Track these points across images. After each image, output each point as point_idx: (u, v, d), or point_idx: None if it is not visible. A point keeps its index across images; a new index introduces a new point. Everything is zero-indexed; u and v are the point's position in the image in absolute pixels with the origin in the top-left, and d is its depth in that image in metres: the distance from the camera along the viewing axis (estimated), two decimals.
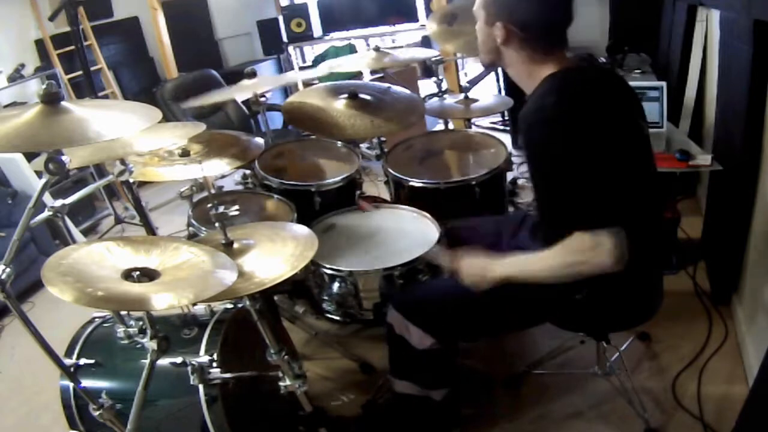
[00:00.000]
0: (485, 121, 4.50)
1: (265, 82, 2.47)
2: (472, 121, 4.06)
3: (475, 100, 2.52)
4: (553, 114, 1.19)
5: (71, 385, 1.48)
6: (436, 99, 2.66)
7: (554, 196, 1.26)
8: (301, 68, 5.17)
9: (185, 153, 1.87)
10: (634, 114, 1.32)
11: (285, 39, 4.96)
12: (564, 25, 1.28)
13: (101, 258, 1.20)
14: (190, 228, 1.89)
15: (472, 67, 5.44)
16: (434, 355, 1.47)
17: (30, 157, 2.77)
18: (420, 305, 1.50)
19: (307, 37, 4.93)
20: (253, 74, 1.92)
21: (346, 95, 2.18)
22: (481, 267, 1.38)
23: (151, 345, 1.31)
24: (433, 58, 2.68)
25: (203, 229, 1.81)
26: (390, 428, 1.75)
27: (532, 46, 1.26)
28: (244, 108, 3.89)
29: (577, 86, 1.23)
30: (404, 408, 1.59)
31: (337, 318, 1.82)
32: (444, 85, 2.77)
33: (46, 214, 1.38)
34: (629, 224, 1.21)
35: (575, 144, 1.17)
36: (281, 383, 1.49)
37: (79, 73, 3.90)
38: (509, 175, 2.53)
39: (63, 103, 1.18)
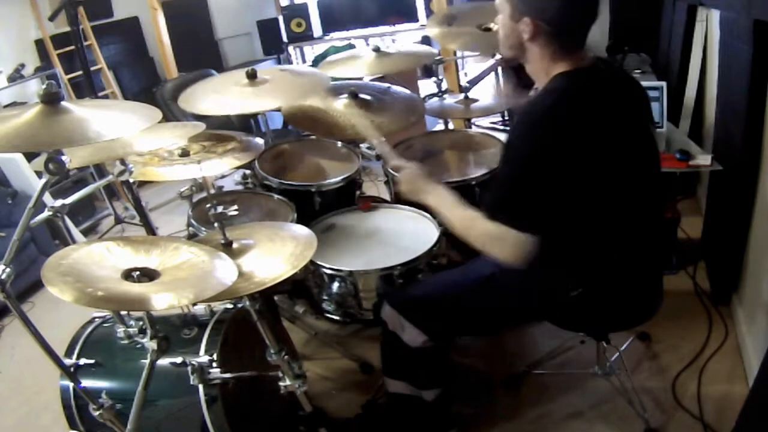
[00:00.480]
0: (485, 121, 4.50)
1: None
2: (472, 121, 4.05)
3: (475, 100, 2.52)
4: (544, 117, 1.19)
5: (71, 385, 1.48)
6: (436, 99, 2.65)
7: (503, 185, 1.27)
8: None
9: (185, 153, 1.87)
10: (641, 117, 1.32)
11: (285, 39, 4.96)
12: (590, 23, 1.26)
13: (101, 258, 1.20)
14: (190, 228, 1.89)
15: (472, 67, 5.43)
16: (426, 353, 1.48)
17: (30, 157, 2.77)
18: (415, 302, 1.50)
19: (307, 37, 4.93)
20: (253, 74, 1.92)
21: (346, 95, 2.18)
22: (418, 184, 1.46)
23: (151, 345, 1.31)
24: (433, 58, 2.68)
25: (203, 229, 1.81)
26: (385, 429, 1.75)
27: (559, 43, 1.24)
28: None
29: (577, 91, 1.22)
30: (398, 408, 1.60)
31: (337, 318, 1.82)
32: (444, 85, 2.76)
33: (46, 214, 1.37)
34: (619, 226, 1.22)
35: (551, 150, 1.17)
36: (281, 383, 1.49)
37: (79, 73, 3.90)
38: None
39: (63, 103, 1.18)
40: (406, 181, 1.49)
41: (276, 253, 1.42)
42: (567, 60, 1.25)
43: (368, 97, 2.23)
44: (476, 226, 1.28)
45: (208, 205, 1.44)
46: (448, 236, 1.75)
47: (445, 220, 1.40)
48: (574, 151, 1.17)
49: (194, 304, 1.53)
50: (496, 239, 1.24)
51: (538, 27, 1.22)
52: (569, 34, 1.24)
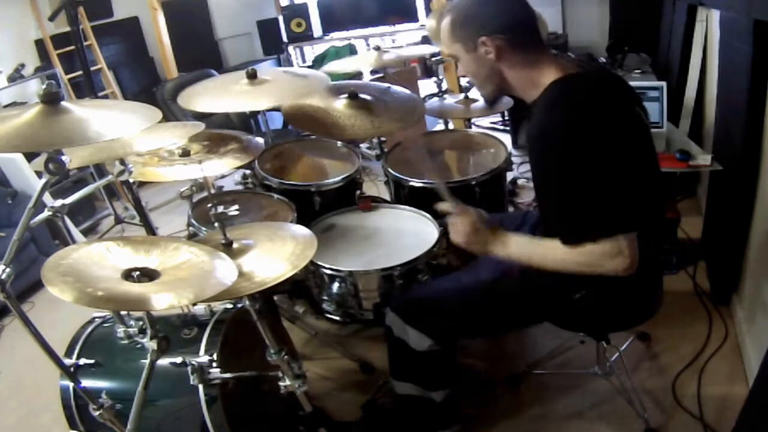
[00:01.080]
0: (485, 121, 4.50)
1: None
2: (472, 121, 4.06)
3: (475, 100, 2.52)
4: (561, 126, 1.17)
5: (71, 385, 1.48)
6: (436, 99, 2.66)
7: (567, 206, 1.22)
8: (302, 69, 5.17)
9: (185, 153, 1.87)
10: (640, 115, 1.32)
11: (285, 39, 4.97)
12: (534, 20, 1.27)
13: (101, 258, 1.20)
14: (190, 228, 1.89)
15: None
16: (434, 356, 1.47)
17: (30, 157, 2.77)
18: (417, 307, 1.50)
19: (307, 37, 4.94)
20: (253, 74, 1.92)
21: (346, 95, 2.18)
22: (483, 238, 1.35)
23: (151, 345, 1.31)
24: (434, 58, 2.68)
25: (203, 229, 1.81)
26: (392, 429, 1.75)
27: (523, 48, 1.24)
28: None
29: (583, 95, 1.22)
30: (406, 409, 1.60)
31: (337, 318, 1.82)
32: (444, 85, 2.77)
33: (46, 214, 1.37)
34: (641, 222, 1.21)
35: (585, 155, 1.15)
36: (281, 383, 1.49)
37: (79, 73, 3.90)
38: (509, 175, 2.53)
39: (63, 103, 1.18)
40: (466, 239, 1.37)
41: (276, 253, 1.42)
42: (547, 66, 1.24)
43: (368, 97, 2.23)
44: (578, 253, 1.20)
45: (208, 205, 1.43)
46: (448, 237, 1.75)
47: (534, 263, 1.29)
48: (592, 156, 1.16)
49: (194, 304, 1.53)
50: (609, 256, 1.17)
51: (496, 41, 1.22)
52: (524, 35, 1.25)
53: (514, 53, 1.25)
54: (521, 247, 1.32)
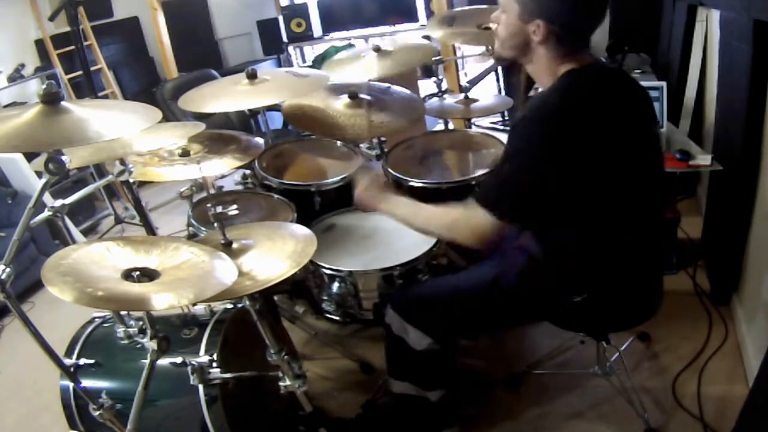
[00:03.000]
0: (485, 121, 4.50)
1: None
2: (472, 121, 4.05)
3: (475, 100, 2.52)
4: (550, 114, 1.18)
5: (71, 385, 1.48)
6: (436, 99, 2.66)
7: (507, 183, 1.25)
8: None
9: (185, 153, 1.87)
10: (645, 117, 1.32)
11: (285, 39, 4.96)
12: (598, 25, 1.25)
13: (101, 258, 1.20)
14: (190, 228, 1.89)
15: (472, 67, 5.43)
16: (432, 355, 1.47)
17: (30, 157, 2.77)
18: (417, 305, 1.50)
19: (307, 37, 4.93)
20: (253, 74, 1.92)
21: (346, 95, 2.18)
22: (375, 196, 1.52)
23: (151, 345, 1.31)
24: (433, 58, 2.68)
25: (203, 229, 1.81)
26: (389, 429, 1.75)
27: (568, 46, 1.23)
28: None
29: (584, 89, 1.21)
30: (402, 408, 1.59)
31: (337, 318, 1.82)
32: (444, 85, 2.76)
33: (46, 214, 1.37)
34: (622, 226, 1.22)
35: (557, 150, 1.16)
36: (281, 383, 1.49)
37: (79, 73, 3.90)
38: None
39: (63, 103, 1.18)
40: (362, 197, 1.56)
41: (276, 253, 1.42)
42: (572, 60, 1.23)
43: (368, 97, 2.23)
44: (438, 212, 1.35)
45: (208, 205, 1.43)
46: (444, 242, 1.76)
47: (408, 223, 1.44)
48: (580, 149, 1.16)
49: (194, 304, 1.53)
50: (462, 219, 1.29)
51: (550, 30, 1.20)
52: (578, 37, 1.24)
53: (556, 48, 1.23)
54: (407, 206, 1.46)
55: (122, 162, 1.57)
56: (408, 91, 2.37)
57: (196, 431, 1.46)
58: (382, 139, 2.32)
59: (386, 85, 2.33)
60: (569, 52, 1.23)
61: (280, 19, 4.95)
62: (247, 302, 1.38)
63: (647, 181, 1.30)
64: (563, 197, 1.20)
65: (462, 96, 2.54)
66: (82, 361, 1.55)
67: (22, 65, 3.96)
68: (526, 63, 1.31)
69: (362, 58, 2.28)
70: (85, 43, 3.83)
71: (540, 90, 1.31)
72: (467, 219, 1.28)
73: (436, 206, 1.39)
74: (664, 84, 2.48)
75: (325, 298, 1.78)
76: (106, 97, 4.21)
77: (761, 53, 1.68)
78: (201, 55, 4.99)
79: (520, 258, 1.40)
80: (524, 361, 1.99)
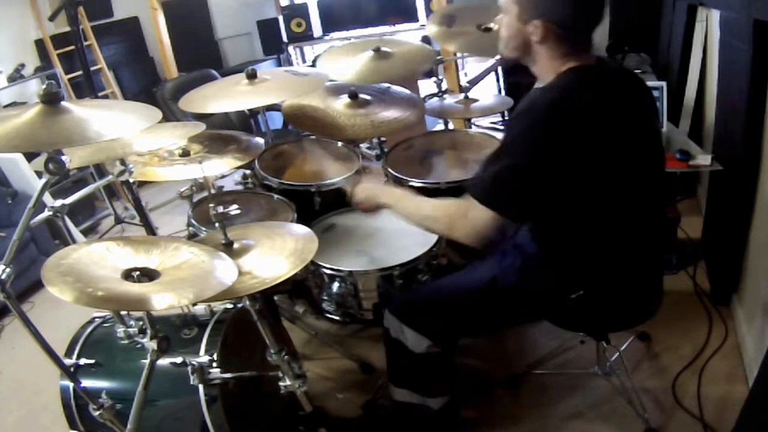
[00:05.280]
0: (485, 121, 4.50)
1: None
2: (472, 121, 4.05)
3: (475, 100, 2.52)
4: (547, 111, 1.17)
5: (71, 385, 1.48)
6: (436, 99, 2.66)
7: (500, 178, 1.23)
8: None
9: (185, 153, 1.87)
10: (647, 115, 1.32)
11: (285, 39, 4.96)
12: (598, 24, 1.25)
13: (101, 258, 1.20)
14: (190, 228, 1.89)
15: (472, 67, 5.44)
16: (431, 359, 1.47)
17: (30, 157, 2.77)
18: (415, 308, 1.50)
19: (307, 37, 4.93)
20: (253, 75, 1.93)
21: (346, 95, 2.18)
22: (372, 190, 1.53)
23: (151, 345, 1.30)
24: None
25: (203, 229, 1.81)
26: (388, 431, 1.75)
27: (568, 45, 1.23)
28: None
29: (582, 86, 1.21)
30: (403, 416, 1.59)
31: (337, 318, 1.82)
32: (444, 85, 2.76)
33: (46, 214, 1.37)
34: (621, 225, 1.21)
35: (553, 147, 1.15)
36: (281, 383, 1.49)
37: (79, 73, 3.90)
38: None
39: (63, 103, 1.18)
40: (360, 193, 1.57)
41: (276, 253, 1.42)
42: (575, 59, 1.23)
43: (368, 97, 2.23)
44: (436, 203, 1.35)
45: (210, 205, 1.43)
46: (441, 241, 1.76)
47: (403, 214, 1.43)
48: (577, 146, 1.16)
49: (194, 304, 1.53)
50: (454, 213, 1.29)
51: (548, 29, 1.20)
52: (579, 36, 1.24)
53: (556, 47, 1.23)
54: (408, 199, 1.45)
55: (122, 162, 1.57)
56: (408, 91, 2.36)
57: (196, 431, 1.46)
58: (382, 139, 2.32)
59: (386, 85, 2.33)
60: (570, 51, 1.23)
61: (280, 19, 4.94)
62: (247, 302, 1.38)
63: (647, 178, 1.30)
64: (560, 193, 1.20)
65: (462, 96, 2.54)
66: (82, 361, 1.55)
67: (22, 65, 3.96)
68: (529, 63, 1.31)
69: (360, 56, 2.27)
70: (85, 43, 3.83)
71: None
72: (465, 213, 1.26)
73: (436, 200, 1.37)
74: (664, 84, 2.48)
75: (325, 298, 1.78)
76: (106, 97, 4.21)
77: (761, 53, 1.68)
78: (201, 55, 4.99)
79: (517, 256, 1.40)
80: (524, 361, 1.99)
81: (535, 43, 1.24)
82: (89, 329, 1.64)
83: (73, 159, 1.23)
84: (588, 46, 1.26)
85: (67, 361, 1.54)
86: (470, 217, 1.25)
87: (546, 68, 1.27)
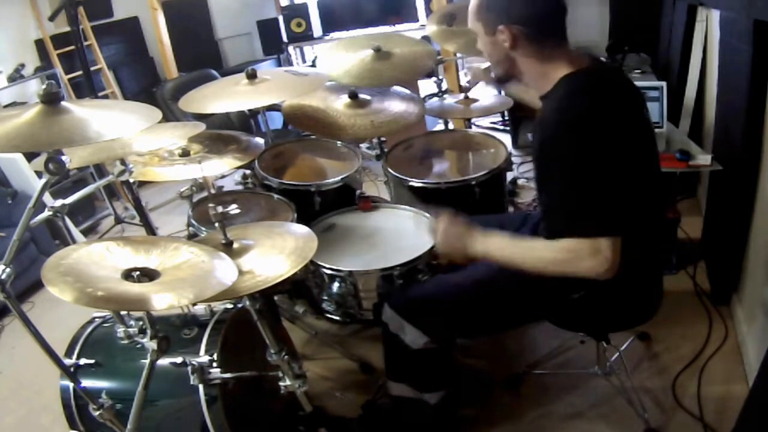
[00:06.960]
0: (485, 121, 4.50)
1: None
2: (472, 121, 4.06)
3: (475, 100, 2.52)
4: (582, 113, 1.17)
5: (71, 385, 1.48)
6: (436, 99, 2.66)
7: (563, 196, 1.22)
8: None
9: (185, 153, 1.87)
10: (645, 115, 1.33)
11: (285, 39, 4.96)
12: (562, 14, 1.26)
13: (101, 258, 1.20)
14: (190, 228, 1.89)
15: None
16: (429, 355, 1.47)
17: (30, 157, 2.77)
18: (415, 303, 1.50)
19: (307, 37, 4.93)
20: (253, 75, 1.93)
21: (346, 95, 2.19)
22: (460, 239, 1.36)
23: (151, 345, 1.31)
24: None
25: (203, 229, 1.81)
26: (389, 431, 1.75)
27: (540, 41, 1.24)
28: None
29: (604, 89, 1.22)
30: (400, 411, 1.59)
31: (337, 318, 1.82)
32: (444, 85, 2.77)
33: (46, 214, 1.38)
34: (632, 226, 1.21)
35: (598, 146, 1.16)
36: (281, 383, 1.49)
37: (79, 73, 3.90)
38: (509, 175, 2.53)
39: (63, 103, 1.18)
40: (445, 245, 1.41)
41: (276, 253, 1.42)
42: (561, 61, 1.24)
43: (368, 97, 2.23)
44: (555, 251, 1.21)
45: (210, 205, 1.43)
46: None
47: (512, 263, 1.29)
48: (605, 152, 1.16)
49: (194, 304, 1.53)
50: (587, 256, 1.17)
51: (513, 31, 1.22)
52: (545, 29, 1.24)
53: (529, 45, 1.24)
54: (502, 246, 1.33)
55: (122, 162, 1.58)
56: (408, 91, 2.37)
57: (196, 431, 1.46)
58: (382, 139, 2.32)
59: None
60: (547, 48, 1.24)
61: (280, 19, 4.94)
62: (247, 302, 1.38)
63: (647, 178, 1.30)
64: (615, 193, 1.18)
65: (462, 96, 2.54)
66: (82, 361, 1.55)
67: (22, 65, 3.96)
68: (519, 76, 1.32)
69: (359, 55, 2.27)
70: (85, 43, 3.83)
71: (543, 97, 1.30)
72: (578, 252, 1.17)
73: (533, 240, 1.28)
74: (664, 84, 2.48)
75: (325, 298, 1.78)
76: (106, 97, 4.21)
77: (761, 53, 1.68)
78: (201, 55, 4.99)
79: None
80: (524, 361, 1.99)
81: (511, 51, 1.26)
82: (89, 329, 1.64)
83: (73, 159, 1.23)
84: (563, 39, 1.26)
85: (67, 361, 1.54)
86: (585, 253, 1.17)
87: (536, 74, 1.28)
